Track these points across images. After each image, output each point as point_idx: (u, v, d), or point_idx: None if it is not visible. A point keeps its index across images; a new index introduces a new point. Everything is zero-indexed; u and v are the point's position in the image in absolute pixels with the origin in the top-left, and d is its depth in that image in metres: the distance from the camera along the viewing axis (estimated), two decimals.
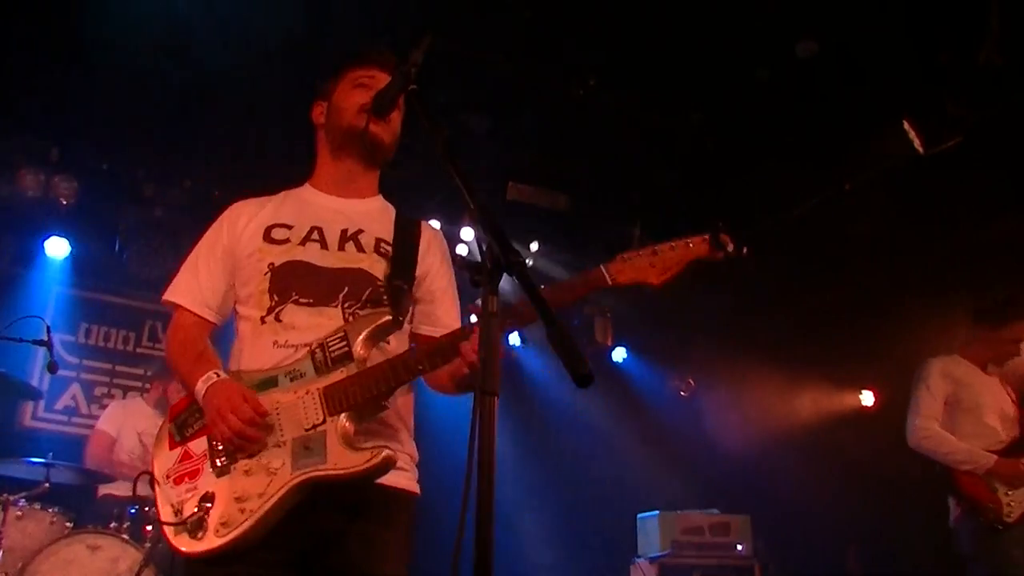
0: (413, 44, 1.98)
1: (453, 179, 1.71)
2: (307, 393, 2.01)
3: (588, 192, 6.61)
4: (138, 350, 7.04)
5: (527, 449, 7.45)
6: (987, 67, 4.60)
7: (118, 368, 6.92)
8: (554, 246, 7.15)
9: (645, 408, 8.39)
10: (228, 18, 4.82)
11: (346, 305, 2.13)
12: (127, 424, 5.29)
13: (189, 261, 2.30)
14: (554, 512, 7.58)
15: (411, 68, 1.98)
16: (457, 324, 2.27)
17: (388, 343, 2.15)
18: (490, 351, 1.42)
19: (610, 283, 2.03)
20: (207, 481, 2.01)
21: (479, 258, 1.52)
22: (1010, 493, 3.98)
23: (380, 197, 2.42)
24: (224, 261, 2.26)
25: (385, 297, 2.16)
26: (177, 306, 2.25)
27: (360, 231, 2.25)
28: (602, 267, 2.05)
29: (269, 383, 2.05)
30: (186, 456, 2.08)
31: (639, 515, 6.69)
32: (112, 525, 4.46)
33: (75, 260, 6.62)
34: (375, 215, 2.34)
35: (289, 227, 2.25)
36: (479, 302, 1.50)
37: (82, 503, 4.91)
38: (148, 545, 4.22)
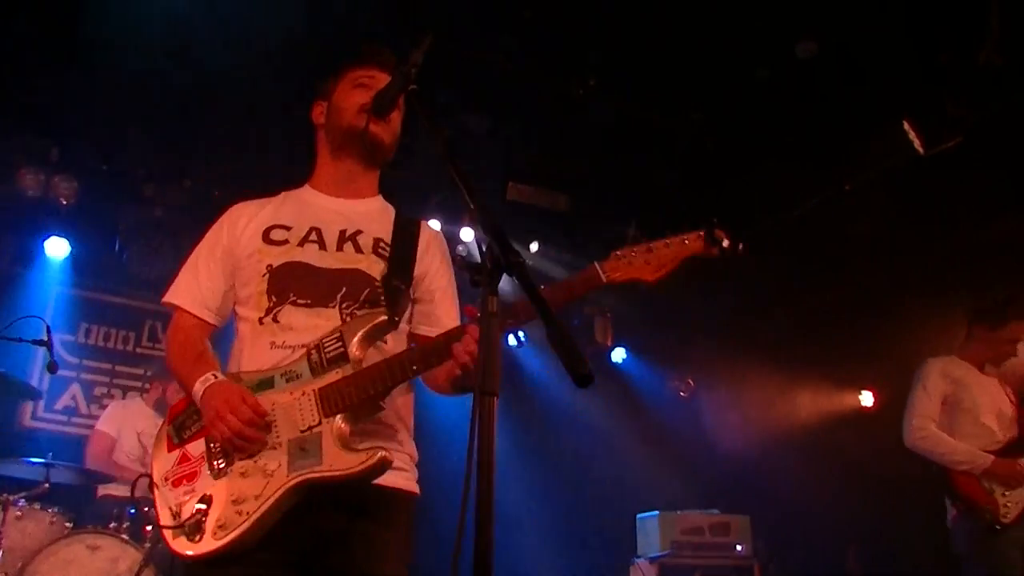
0: (413, 44, 1.98)
1: (453, 179, 1.71)
2: (303, 394, 2.00)
3: (588, 192, 6.61)
4: (138, 350, 7.04)
5: (527, 449, 7.44)
6: (987, 67, 4.60)
7: (118, 368, 6.92)
8: (554, 246, 7.14)
9: (645, 408, 8.39)
10: (228, 18, 4.83)
11: (344, 306, 2.12)
12: (127, 425, 5.28)
13: (189, 262, 2.30)
14: (554, 512, 7.57)
15: (411, 68, 1.98)
16: (456, 324, 2.26)
17: (385, 343, 2.15)
18: (490, 351, 1.42)
19: (604, 280, 2.02)
20: (205, 483, 2.01)
21: (479, 258, 1.52)
22: (1007, 494, 3.97)
23: (380, 197, 2.42)
24: (224, 262, 2.26)
25: (382, 297, 2.15)
26: (177, 308, 2.25)
27: (359, 232, 2.25)
28: (596, 265, 2.04)
29: (266, 384, 2.05)
30: (184, 458, 2.08)
31: (639, 515, 6.68)
32: (112, 525, 4.46)
33: (75, 260, 6.62)
34: (374, 215, 2.33)
35: (288, 228, 2.25)
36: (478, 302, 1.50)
37: (82, 503, 4.91)
38: (148, 545, 4.22)
